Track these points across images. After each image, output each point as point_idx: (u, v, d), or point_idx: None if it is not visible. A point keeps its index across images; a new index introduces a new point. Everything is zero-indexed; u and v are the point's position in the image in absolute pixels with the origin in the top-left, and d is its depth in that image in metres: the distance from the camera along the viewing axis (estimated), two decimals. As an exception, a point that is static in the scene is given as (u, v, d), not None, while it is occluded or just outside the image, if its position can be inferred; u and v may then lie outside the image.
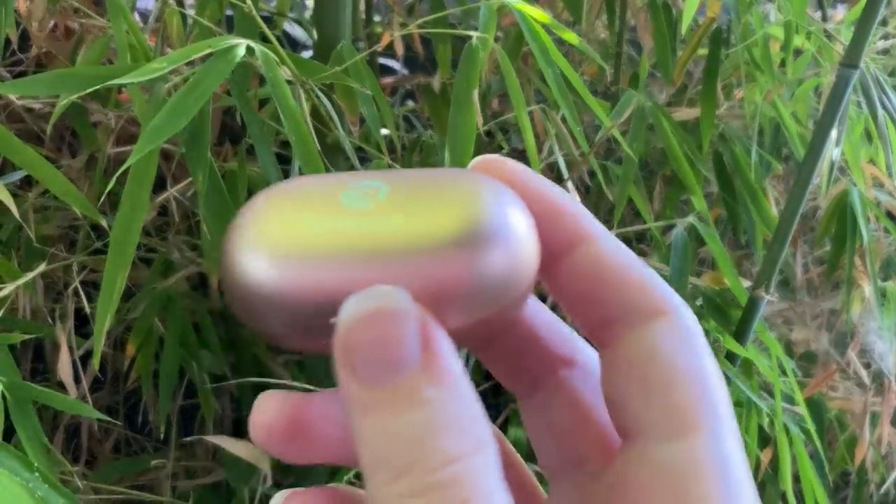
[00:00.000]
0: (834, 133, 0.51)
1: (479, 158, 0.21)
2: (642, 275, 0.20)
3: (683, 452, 0.18)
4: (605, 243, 0.21)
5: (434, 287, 0.17)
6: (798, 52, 0.70)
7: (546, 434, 0.23)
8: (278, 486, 0.67)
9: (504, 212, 0.18)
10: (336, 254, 0.17)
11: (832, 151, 0.53)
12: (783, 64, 0.69)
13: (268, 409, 0.20)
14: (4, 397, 0.48)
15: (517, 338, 0.23)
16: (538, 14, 0.46)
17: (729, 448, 0.18)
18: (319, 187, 0.19)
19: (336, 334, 0.17)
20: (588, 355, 0.23)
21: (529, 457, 0.24)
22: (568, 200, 0.21)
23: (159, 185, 0.67)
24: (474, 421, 0.17)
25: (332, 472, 0.65)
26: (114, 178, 0.32)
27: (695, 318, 0.20)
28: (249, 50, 0.35)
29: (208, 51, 0.33)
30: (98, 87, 0.34)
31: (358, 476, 0.54)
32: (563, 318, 0.24)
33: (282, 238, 0.18)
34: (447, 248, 0.17)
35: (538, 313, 0.23)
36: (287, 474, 0.71)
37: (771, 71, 0.65)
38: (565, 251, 0.21)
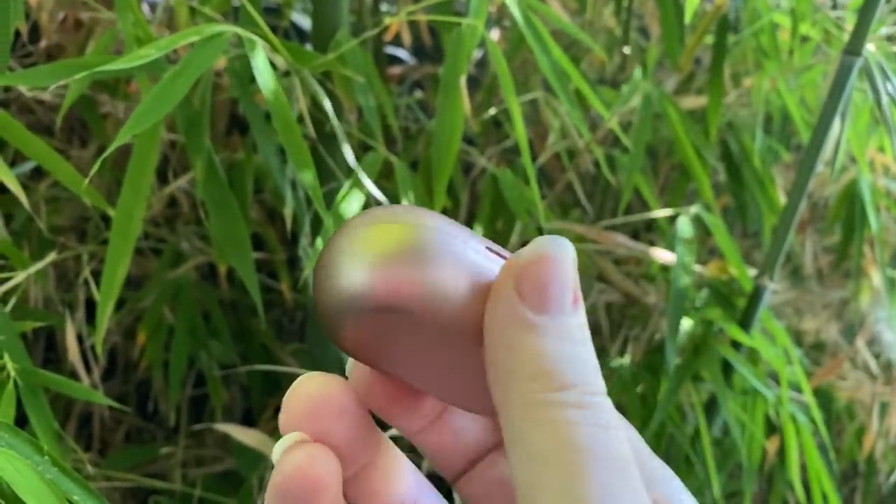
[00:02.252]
0: (837, 121, 0.51)
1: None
2: None
3: None
4: None
5: None
6: (805, 40, 0.70)
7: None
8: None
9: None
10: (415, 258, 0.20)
11: (836, 139, 0.52)
12: (793, 52, 0.69)
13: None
14: (16, 383, 0.49)
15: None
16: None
17: None
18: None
19: (513, 262, 0.20)
20: None
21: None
22: None
23: (168, 176, 0.68)
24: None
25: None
26: (99, 161, 0.33)
27: None
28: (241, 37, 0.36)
29: (195, 38, 0.34)
30: (93, 72, 0.34)
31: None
32: None
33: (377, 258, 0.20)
34: None
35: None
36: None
37: (778, 58, 0.64)
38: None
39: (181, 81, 0.33)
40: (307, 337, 0.68)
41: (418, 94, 0.90)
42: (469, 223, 0.71)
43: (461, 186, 0.66)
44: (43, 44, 0.70)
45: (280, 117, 0.34)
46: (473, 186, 0.75)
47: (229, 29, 0.35)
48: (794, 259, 0.78)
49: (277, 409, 0.80)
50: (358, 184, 0.41)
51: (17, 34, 0.66)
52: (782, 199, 0.70)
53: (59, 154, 0.50)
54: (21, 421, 0.48)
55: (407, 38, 0.80)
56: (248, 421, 0.82)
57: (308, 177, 0.34)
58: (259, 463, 0.67)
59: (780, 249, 0.57)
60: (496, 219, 0.69)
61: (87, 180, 0.35)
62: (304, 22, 0.83)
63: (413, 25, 0.81)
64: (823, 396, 0.74)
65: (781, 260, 0.59)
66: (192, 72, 0.33)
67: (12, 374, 0.48)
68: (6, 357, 0.49)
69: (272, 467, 0.67)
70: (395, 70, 0.88)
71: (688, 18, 0.53)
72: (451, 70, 0.40)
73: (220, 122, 0.74)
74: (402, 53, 0.91)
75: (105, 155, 0.33)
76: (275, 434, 0.69)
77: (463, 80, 0.40)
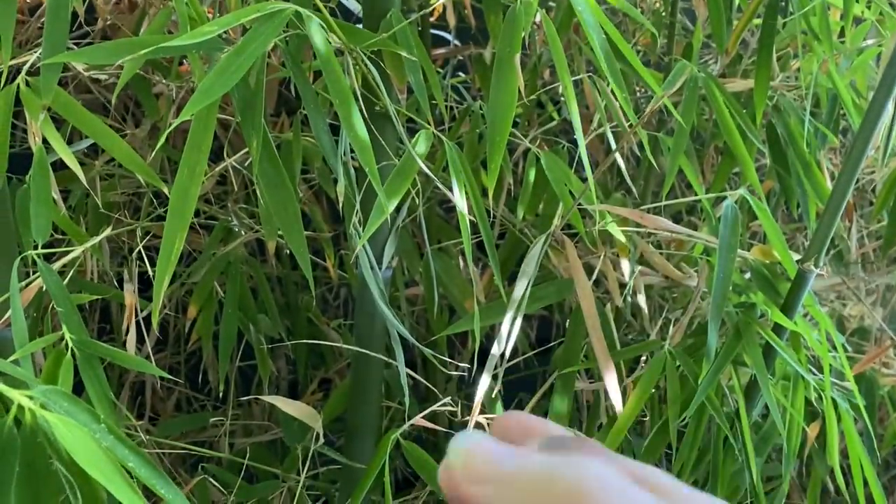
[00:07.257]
0: (891, 104, 0.50)
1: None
2: None
3: None
4: None
5: None
6: (859, 21, 0.69)
7: None
8: (331, 444, 0.69)
9: None
10: None
11: (889, 123, 0.52)
12: (843, 33, 0.68)
13: None
14: (74, 354, 0.51)
15: None
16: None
17: None
18: None
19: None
20: None
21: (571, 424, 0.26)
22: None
23: (218, 155, 0.69)
24: None
25: (380, 433, 0.67)
26: (163, 136, 0.34)
27: None
28: (297, 16, 0.36)
29: (256, 15, 0.35)
30: (153, 49, 0.35)
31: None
32: None
33: None
34: None
35: None
36: (339, 433, 0.73)
37: (829, 40, 0.63)
38: None
39: (243, 58, 0.34)
40: (354, 312, 0.70)
41: (462, 75, 0.90)
42: (511, 205, 0.71)
43: (505, 168, 0.67)
44: (99, 24, 0.72)
45: (340, 95, 0.35)
46: (515, 167, 0.76)
47: (289, 6, 0.36)
48: (839, 244, 0.77)
49: (321, 382, 0.82)
50: (409, 161, 0.42)
51: (74, 15, 0.68)
52: (828, 184, 0.69)
53: (114, 132, 0.51)
54: (77, 390, 0.50)
55: (452, 18, 0.80)
56: (294, 393, 0.84)
57: (362, 146, 0.34)
58: (304, 433, 0.69)
59: (826, 235, 0.57)
60: (539, 200, 0.69)
61: (147, 159, 0.37)
62: (350, 3, 0.84)
63: (458, 7, 0.81)
64: (866, 383, 0.74)
65: (826, 245, 0.58)
66: (255, 48, 0.34)
67: (70, 344, 0.50)
68: (64, 328, 0.51)
69: (316, 438, 0.67)
70: (439, 51, 0.89)
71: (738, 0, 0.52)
72: (505, 48, 0.41)
73: (268, 104, 0.75)
74: (446, 35, 0.91)
75: (168, 131, 0.34)
76: (318, 406, 0.70)
77: (517, 59, 0.40)
